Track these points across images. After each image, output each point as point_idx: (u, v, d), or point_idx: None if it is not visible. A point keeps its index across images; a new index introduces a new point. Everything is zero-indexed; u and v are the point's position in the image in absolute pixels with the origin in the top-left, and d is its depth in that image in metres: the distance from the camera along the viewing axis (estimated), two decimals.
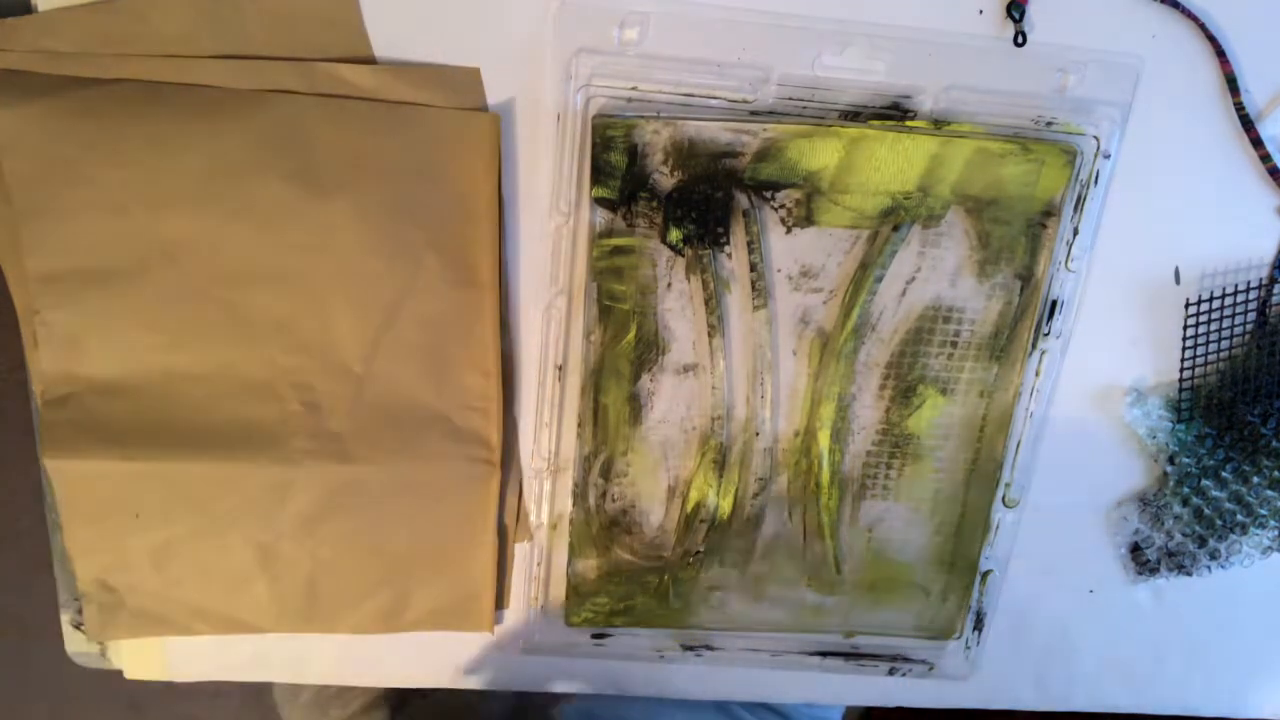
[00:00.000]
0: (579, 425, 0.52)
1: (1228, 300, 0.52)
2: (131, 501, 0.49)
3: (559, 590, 0.55)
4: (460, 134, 0.47)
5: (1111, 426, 0.55)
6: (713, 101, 0.47)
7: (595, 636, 0.56)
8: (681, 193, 0.48)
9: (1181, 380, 0.54)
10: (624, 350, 0.51)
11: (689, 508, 0.54)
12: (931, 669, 0.59)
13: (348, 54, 0.46)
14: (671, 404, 0.52)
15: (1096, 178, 0.49)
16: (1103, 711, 0.62)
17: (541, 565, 0.54)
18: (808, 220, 0.49)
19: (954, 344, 0.52)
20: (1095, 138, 0.49)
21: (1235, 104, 0.49)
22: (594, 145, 0.47)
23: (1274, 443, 0.54)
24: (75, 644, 0.55)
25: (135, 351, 0.47)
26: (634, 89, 0.46)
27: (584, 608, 0.55)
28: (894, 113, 0.48)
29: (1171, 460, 0.55)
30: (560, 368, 0.50)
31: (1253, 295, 0.52)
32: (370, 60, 0.46)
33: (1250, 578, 0.58)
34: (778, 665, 0.58)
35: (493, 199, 0.48)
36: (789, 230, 0.50)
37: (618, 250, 0.49)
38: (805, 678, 0.59)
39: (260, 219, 0.46)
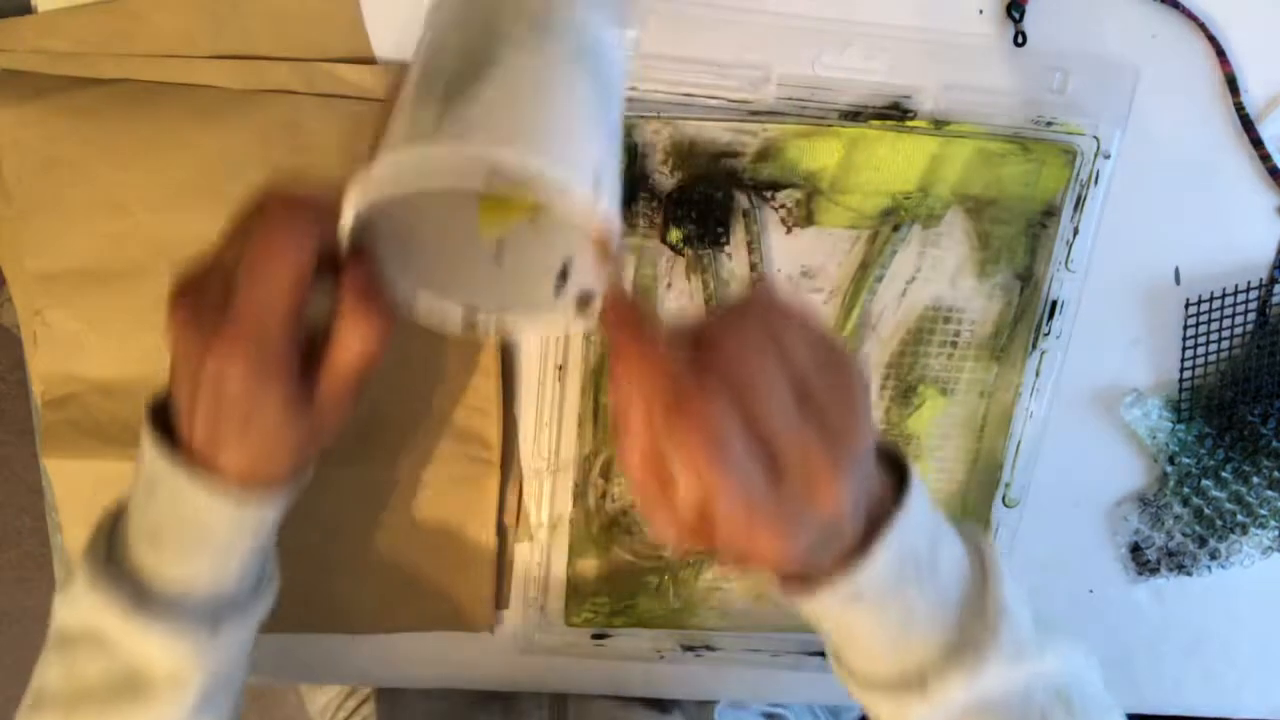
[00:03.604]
0: (579, 425, 0.52)
1: (1228, 300, 0.52)
2: None
3: (559, 590, 0.55)
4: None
5: (1111, 426, 0.55)
6: (713, 101, 0.47)
7: (595, 636, 0.56)
8: (681, 193, 0.48)
9: (1181, 380, 0.54)
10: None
11: None
12: None
13: (348, 54, 0.46)
14: None
15: (1096, 178, 0.49)
16: None
17: (541, 565, 0.54)
18: (808, 220, 0.49)
19: (954, 344, 0.52)
20: (1095, 138, 0.49)
21: (1235, 104, 0.49)
22: None
23: (1274, 443, 0.54)
24: None
25: (135, 351, 0.47)
26: (634, 89, 0.46)
27: (584, 608, 0.55)
28: (894, 113, 0.48)
29: (1171, 460, 0.55)
30: (560, 368, 0.50)
31: (1253, 295, 0.52)
32: (370, 60, 0.46)
33: (1250, 578, 0.58)
34: (778, 665, 0.58)
35: None
36: (789, 230, 0.50)
37: None
38: (805, 678, 0.59)
39: None
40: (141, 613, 0.36)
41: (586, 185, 0.31)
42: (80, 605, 0.37)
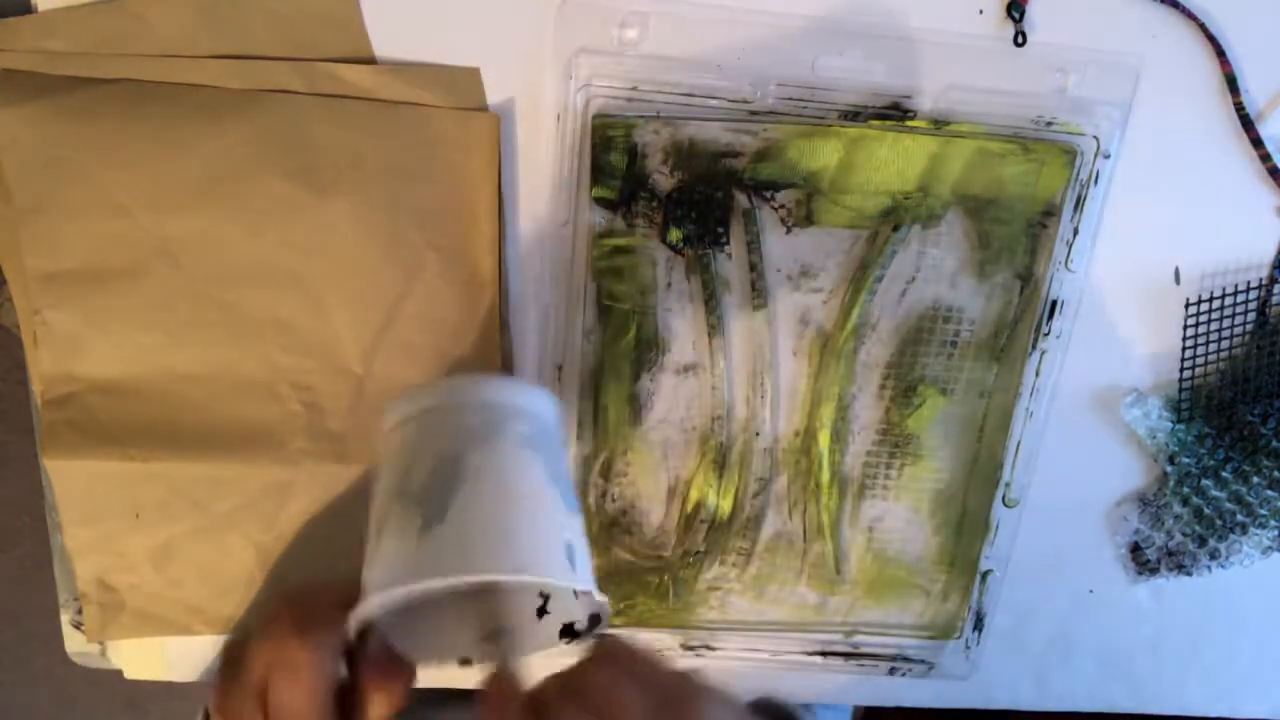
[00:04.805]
0: (578, 426, 0.52)
1: (1228, 300, 0.52)
2: (131, 501, 0.49)
3: None
4: (460, 134, 0.47)
5: (1111, 426, 0.55)
6: (713, 101, 0.47)
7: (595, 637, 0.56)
8: (681, 193, 0.48)
9: (1181, 380, 0.54)
10: (624, 350, 0.51)
11: (689, 508, 0.54)
12: (931, 669, 0.59)
13: (348, 54, 0.46)
14: (671, 404, 0.52)
15: (1096, 178, 0.49)
16: (1103, 711, 0.62)
17: None
18: (808, 220, 0.49)
19: (954, 344, 0.52)
20: (1095, 138, 0.49)
21: (1235, 104, 0.49)
22: (594, 145, 0.47)
23: (1274, 443, 0.54)
24: (75, 644, 0.55)
25: (135, 351, 0.47)
26: (634, 89, 0.46)
27: None
28: (894, 113, 0.48)
29: (1171, 460, 0.55)
30: (560, 368, 0.50)
31: (1253, 295, 0.52)
32: (370, 60, 0.46)
33: (1250, 578, 0.58)
34: (778, 665, 0.58)
35: (493, 199, 0.48)
36: (789, 230, 0.50)
37: (618, 250, 0.49)
38: (805, 677, 0.59)
39: (260, 219, 0.46)
40: None
41: (559, 567, 0.37)
42: None
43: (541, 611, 0.43)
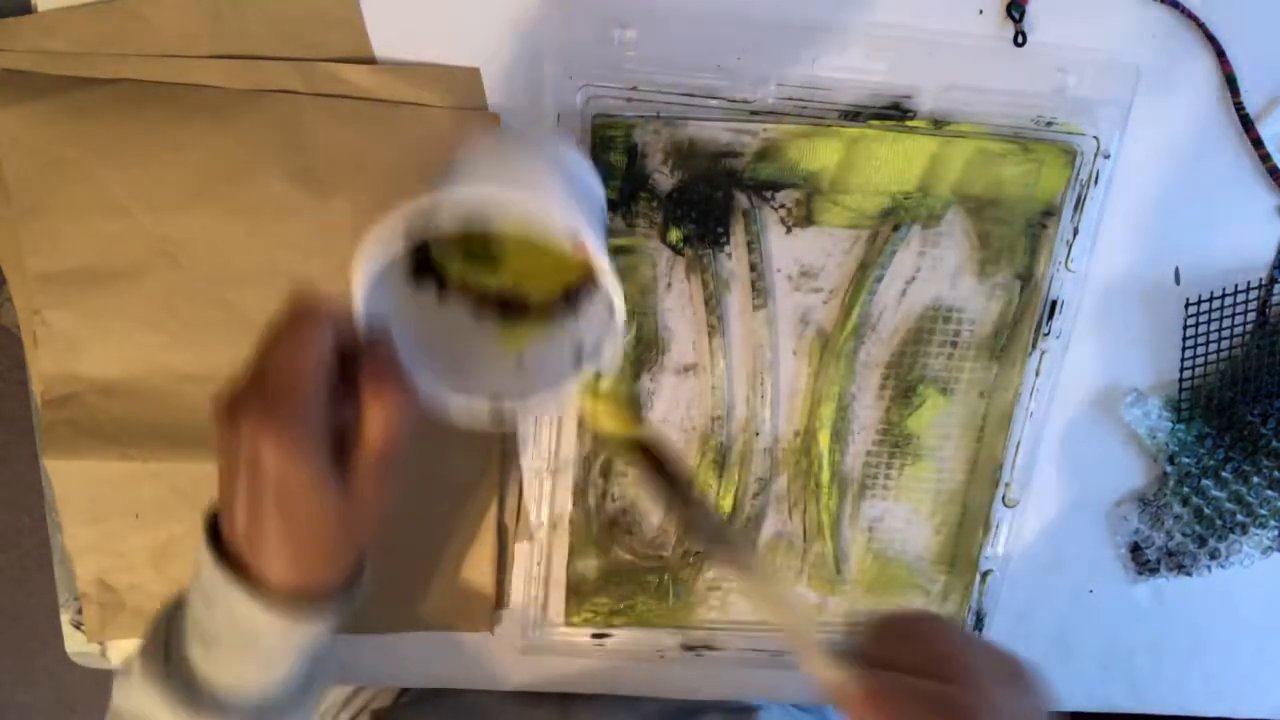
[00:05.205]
0: (579, 425, 0.52)
1: (1228, 300, 0.52)
2: (131, 501, 0.49)
3: (559, 590, 0.55)
4: (460, 134, 0.47)
5: (1111, 426, 0.55)
6: (713, 101, 0.47)
7: (595, 636, 0.56)
8: (681, 193, 0.48)
9: (1181, 380, 0.54)
10: (624, 350, 0.51)
11: None
12: None
13: (348, 54, 0.46)
14: (671, 404, 0.52)
15: (1096, 178, 0.49)
16: (1103, 711, 0.62)
17: (541, 565, 0.54)
18: (808, 220, 0.49)
19: (954, 344, 0.52)
20: (1095, 138, 0.49)
21: (1235, 104, 0.49)
22: (594, 145, 0.47)
23: (1274, 443, 0.54)
24: (75, 644, 0.54)
25: (135, 351, 0.47)
26: (634, 89, 0.46)
27: (584, 608, 0.55)
28: (894, 113, 0.48)
29: (1171, 460, 0.55)
30: None
31: (1253, 295, 0.52)
32: (370, 60, 0.46)
33: (1250, 578, 0.58)
34: (778, 665, 0.58)
35: None
36: (789, 230, 0.50)
37: (618, 250, 0.49)
38: (806, 677, 0.59)
39: (260, 219, 0.46)
40: (188, 709, 0.38)
41: (556, 208, 0.34)
42: (134, 694, 0.39)
43: (576, 362, 0.40)
